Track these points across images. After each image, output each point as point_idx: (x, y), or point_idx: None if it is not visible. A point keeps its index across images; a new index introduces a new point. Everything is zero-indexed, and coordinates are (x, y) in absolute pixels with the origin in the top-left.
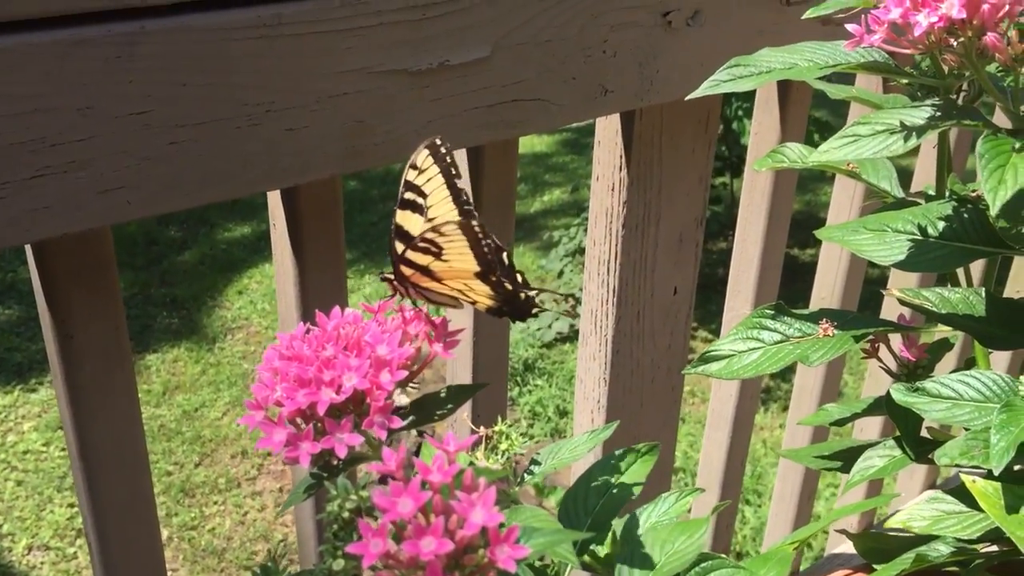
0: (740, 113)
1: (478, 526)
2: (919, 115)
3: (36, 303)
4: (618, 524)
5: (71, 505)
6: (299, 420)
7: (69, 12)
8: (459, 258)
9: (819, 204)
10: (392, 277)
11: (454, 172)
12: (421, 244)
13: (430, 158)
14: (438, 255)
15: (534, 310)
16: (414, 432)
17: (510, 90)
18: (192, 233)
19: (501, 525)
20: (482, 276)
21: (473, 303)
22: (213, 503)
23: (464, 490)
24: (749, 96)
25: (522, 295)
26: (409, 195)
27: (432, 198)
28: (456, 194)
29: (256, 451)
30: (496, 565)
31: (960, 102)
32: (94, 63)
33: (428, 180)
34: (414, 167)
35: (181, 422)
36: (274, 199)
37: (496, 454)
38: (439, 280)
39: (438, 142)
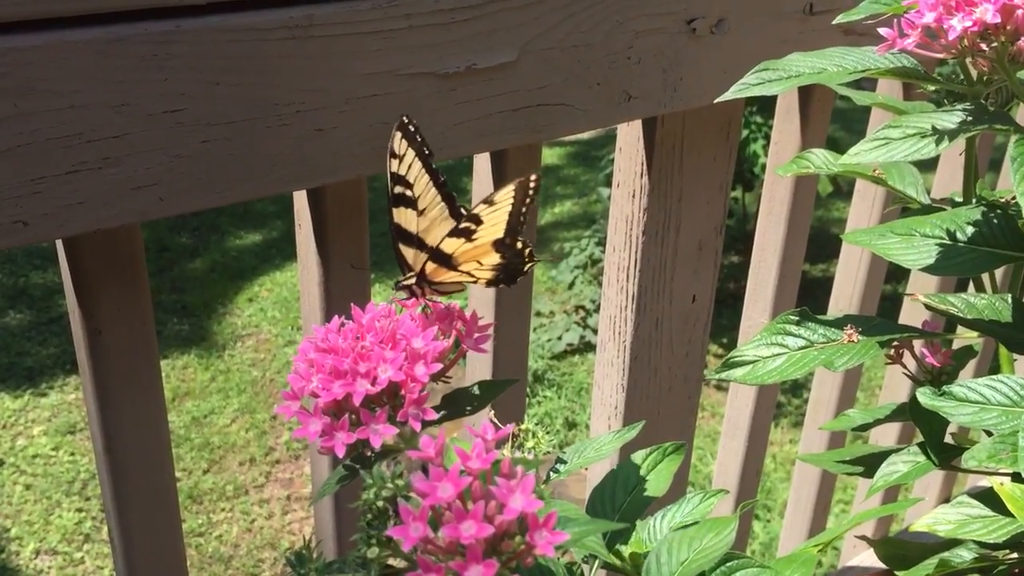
0: (753, 127)
1: (517, 511)
2: (950, 119)
3: (46, 305)
4: (641, 526)
5: (79, 510)
6: (333, 411)
7: (106, 10)
8: (491, 230)
9: (831, 220)
10: (409, 283)
11: (427, 152)
12: (463, 225)
13: (404, 140)
14: (471, 234)
15: (526, 267)
16: None
17: (536, 94)
18: (203, 240)
19: (539, 512)
20: (499, 244)
21: (475, 282)
22: (221, 510)
23: (503, 477)
24: (763, 108)
25: (519, 244)
26: (398, 189)
27: (417, 187)
28: (434, 176)
29: (264, 459)
30: (535, 550)
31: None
32: (130, 61)
33: (409, 167)
34: (394, 155)
35: (190, 429)
36: (301, 199)
37: (523, 452)
38: (455, 267)
39: (406, 120)
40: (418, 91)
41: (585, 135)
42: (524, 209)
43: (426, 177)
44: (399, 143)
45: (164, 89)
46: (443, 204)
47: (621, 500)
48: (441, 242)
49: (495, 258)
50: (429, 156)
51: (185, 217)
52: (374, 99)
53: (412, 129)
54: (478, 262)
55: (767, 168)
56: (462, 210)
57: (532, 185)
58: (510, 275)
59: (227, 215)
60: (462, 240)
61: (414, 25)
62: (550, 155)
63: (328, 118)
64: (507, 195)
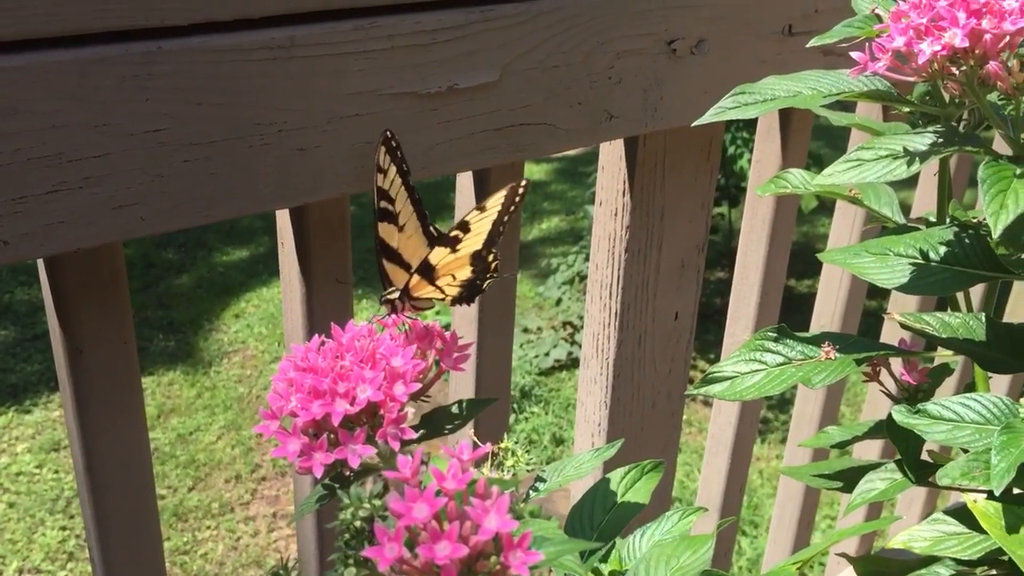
0: (739, 143)
1: (492, 532)
2: (922, 141)
3: (31, 322)
4: (621, 544)
5: (63, 528)
6: (312, 430)
7: (88, 31)
8: (475, 239)
9: (816, 236)
10: (392, 298)
11: (405, 168)
12: (453, 234)
13: (387, 156)
14: (457, 243)
15: (485, 284)
16: None
17: (518, 114)
18: (190, 256)
19: (514, 532)
20: (475, 256)
21: (443, 299)
22: (206, 528)
23: (478, 497)
24: (749, 123)
25: (490, 257)
26: (383, 204)
27: (398, 203)
28: (411, 192)
29: (250, 476)
30: (509, 570)
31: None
32: (112, 81)
33: (391, 182)
34: (380, 169)
35: (175, 446)
36: (283, 218)
37: (502, 471)
38: (432, 281)
39: (389, 135)
40: (400, 111)
41: (571, 151)
42: (506, 218)
43: (405, 193)
44: (383, 157)
45: (146, 109)
46: (418, 223)
47: (600, 518)
48: (430, 252)
49: (467, 272)
50: (407, 173)
51: (171, 233)
52: (356, 119)
53: (394, 144)
54: (452, 276)
55: (748, 186)
56: (432, 230)
57: (520, 192)
58: (472, 292)
59: (213, 231)
60: (447, 250)
61: (396, 46)
62: (537, 171)
63: (310, 137)
64: (497, 201)
